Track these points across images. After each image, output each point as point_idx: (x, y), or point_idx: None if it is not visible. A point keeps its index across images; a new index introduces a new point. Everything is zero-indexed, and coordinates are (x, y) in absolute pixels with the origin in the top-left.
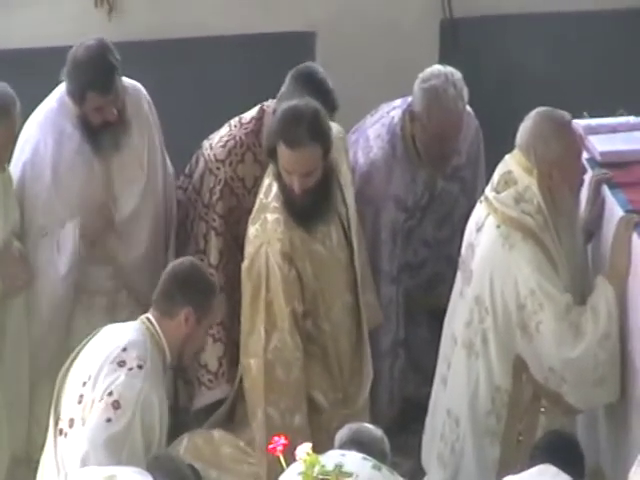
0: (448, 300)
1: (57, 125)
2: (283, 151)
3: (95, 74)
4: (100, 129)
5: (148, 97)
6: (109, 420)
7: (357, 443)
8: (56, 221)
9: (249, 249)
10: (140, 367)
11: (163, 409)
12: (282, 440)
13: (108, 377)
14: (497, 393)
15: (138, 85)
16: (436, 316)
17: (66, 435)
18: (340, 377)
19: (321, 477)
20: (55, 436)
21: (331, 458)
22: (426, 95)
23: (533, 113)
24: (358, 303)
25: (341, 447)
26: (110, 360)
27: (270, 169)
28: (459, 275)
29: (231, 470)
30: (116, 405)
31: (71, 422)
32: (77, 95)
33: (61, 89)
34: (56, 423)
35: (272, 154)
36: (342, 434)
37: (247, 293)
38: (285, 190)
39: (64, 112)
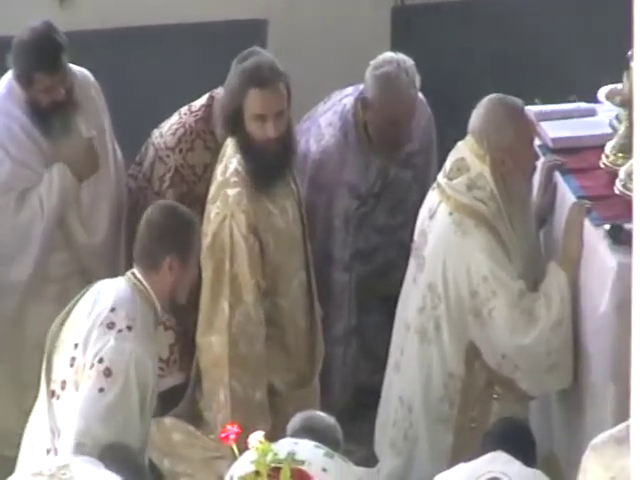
0: (401, 287)
1: (6, 111)
2: (255, 96)
3: (41, 54)
4: (49, 112)
5: (96, 84)
6: (102, 390)
7: (309, 431)
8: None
9: (211, 227)
10: (130, 328)
11: (154, 364)
12: (235, 429)
13: (98, 341)
14: (450, 379)
15: (85, 71)
16: (389, 303)
17: (59, 397)
18: (296, 357)
19: (274, 465)
20: (48, 398)
21: (284, 446)
22: (378, 82)
23: (485, 100)
24: (311, 282)
25: (293, 435)
26: (99, 322)
27: (225, 150)
28: (412, 262)
29: (183, 457)
30: (107, 373)
31: (63, 384)
32: (24, 77)
33: (8, 76)
34: (48, 384)
35: (234, 119)
36: (294, 422)
37: (209, 270)
38: (255, 148)
39: (12, 98)
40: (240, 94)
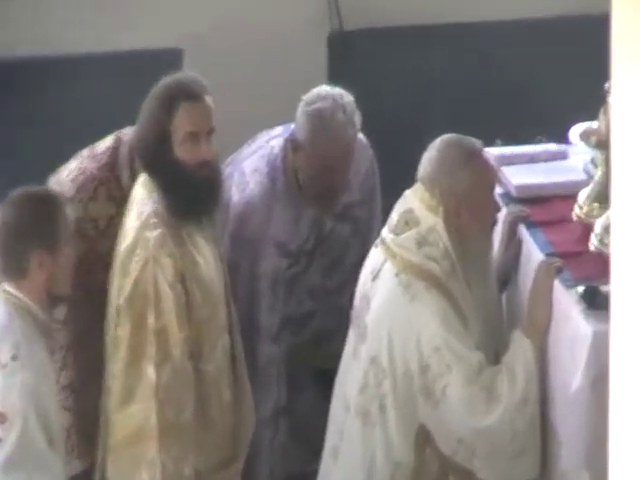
0: (339, 361)
1: None
2: (186, 111)
3: None
4: None
5: None
6: None
7: None
8: None
9: (130, 277)
10: (14, 357)
11: (51, 381)
12: None
13: None
14: (397, 469)
15: None
16: (325, 379)
17: None
18: (219, 434)
19: None
20: None
21: None
22: (310, 120)
23: (437, 141)
24: (235, 347)
25: None
26: None
27: (134, 197)
28: (352, 331)
29: None
30: (1, 419)
31: None
32: None
33: None
34: None
35: (158, 149)
36: None
37: (126, 329)
38: (182, 176)
39: None
40: (166, 114)
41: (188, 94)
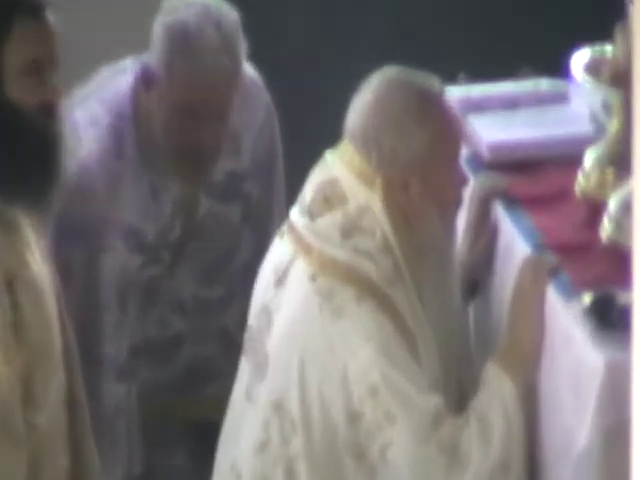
0: (224, 407)
1: None
2: (26, 30)
3: None
4: None
5: None
6: None
7: None
8: None
9: None
10: None
11: None
12: None
13: None
14: None
15: None
16: (203, 436)
17: None
18: None
19: None
20: None
21: None
22: (167, 37)
23: (374, 80)
24: (74, 389)
25: None
26: None
27: None
28: (244, 363)
29: None
30: None
31: None
32: None
33: None
34: None
35: None
36: None
37: None
38: (15, 124)
39: None
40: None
41: (28, 6)
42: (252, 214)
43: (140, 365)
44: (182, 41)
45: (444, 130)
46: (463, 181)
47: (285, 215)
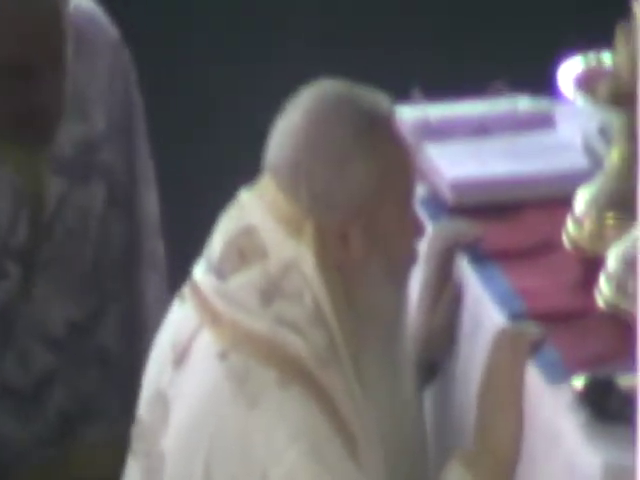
0: (106, 457)
1: None
2: None
3: None
4: None
5: None
6: None
7: None
8: None
9: None
10: None
11: None
12: None
13: None
14: None
15: None
16: None
17: None
18: None
19: None
20: None
21: None
22: None
23: (306, 96)
24: None
25: None
26: None
27: None
28: (132, 466)
29: None
30: None
31: None
32: None
33: None
34: None
35: None
36: None
37: None
38: None
39: None
40: None
41: None
42: (117, 194)
43: None
44: None
45: (394, 164)
46: (418, 230)
47: (154, 198)
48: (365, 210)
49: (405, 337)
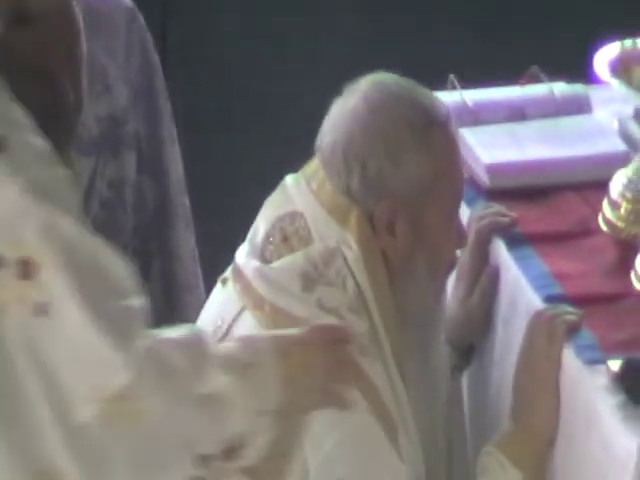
0: None
1: None
2: None
3: None
4: None
5: None
6: None
7: None
8: None
9: None
10: None
11: None
12: None
13: None
14: None
15: None
16: None
17: None
18: None
19: None
20: None
21: None
22: None
23: (366, 84)
24: None
25: None
26: None
27: None
28: None
29: None
30: None
31: None
32: None
33: None
34: None
35: None
36: None
37: None
38: None
39: None
40: None
41: None
42: (146, 159)
43: None
44: None
45: (447, 167)
46: (460, 240)
47: (177, 154)
48: (415, 203)
49: (441, 342)
